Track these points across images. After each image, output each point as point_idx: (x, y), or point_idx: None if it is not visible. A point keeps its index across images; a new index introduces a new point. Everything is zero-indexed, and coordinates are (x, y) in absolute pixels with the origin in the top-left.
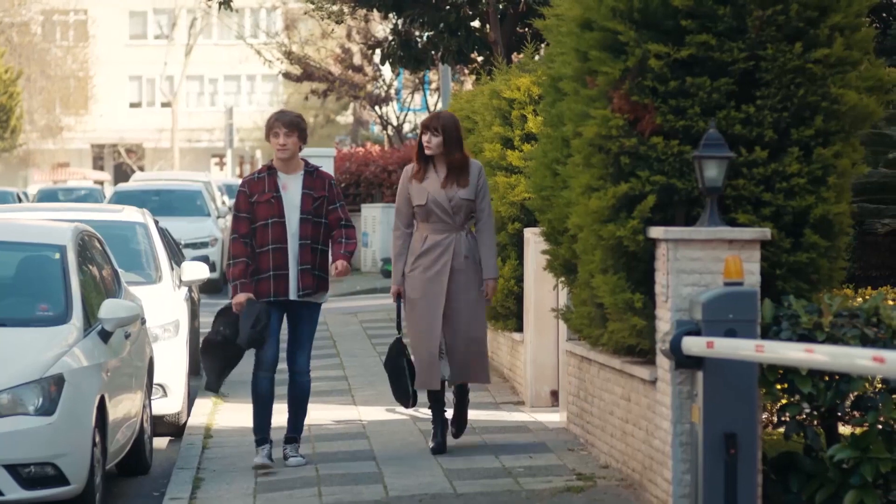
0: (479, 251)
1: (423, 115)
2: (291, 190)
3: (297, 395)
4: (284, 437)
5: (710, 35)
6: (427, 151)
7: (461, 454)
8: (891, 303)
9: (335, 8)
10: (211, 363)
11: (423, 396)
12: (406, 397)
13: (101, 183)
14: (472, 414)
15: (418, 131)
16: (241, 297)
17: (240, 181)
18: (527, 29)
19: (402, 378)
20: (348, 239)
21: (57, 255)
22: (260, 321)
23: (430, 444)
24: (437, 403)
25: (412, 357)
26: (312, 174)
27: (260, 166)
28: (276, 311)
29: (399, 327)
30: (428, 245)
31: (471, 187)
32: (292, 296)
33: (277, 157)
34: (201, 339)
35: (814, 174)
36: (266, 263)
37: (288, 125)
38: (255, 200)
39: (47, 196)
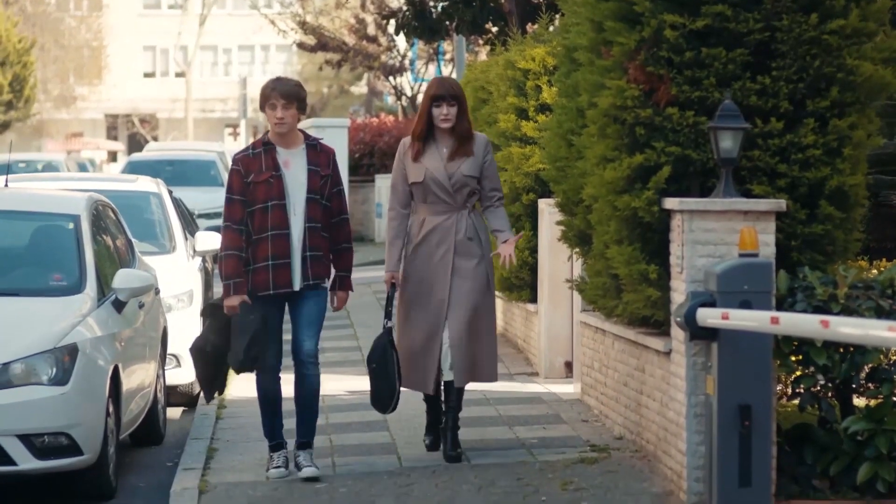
0: (484, 231)
1: None
2: (295, 167)
3: (305, 394)
4: (296, 442)
5: (725, 5)
6: (444, 125)
7: (475, 425)
8: None
9: None
10: (202, 373)
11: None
12: (388, 400)
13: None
14: (486, 385)
15: (428, 103)
16: (235, 301)
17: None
18: None
19: (388, 378)
20: (347, 243)
21: (71, 225)
22: (256, 342)
23: (425, 441)
24: (432, 400)
25: (401, 353)
26: (315, 148)
27: (253, 140)
28: (276, 306)
29: (388, 315)
30: (427, 229)
31: (474, 162)
32: (297, 286)
33: (274, 132)
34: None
35: (829, 145)
36: (264, 251)
37: (286, 96)
38: (251, 181)
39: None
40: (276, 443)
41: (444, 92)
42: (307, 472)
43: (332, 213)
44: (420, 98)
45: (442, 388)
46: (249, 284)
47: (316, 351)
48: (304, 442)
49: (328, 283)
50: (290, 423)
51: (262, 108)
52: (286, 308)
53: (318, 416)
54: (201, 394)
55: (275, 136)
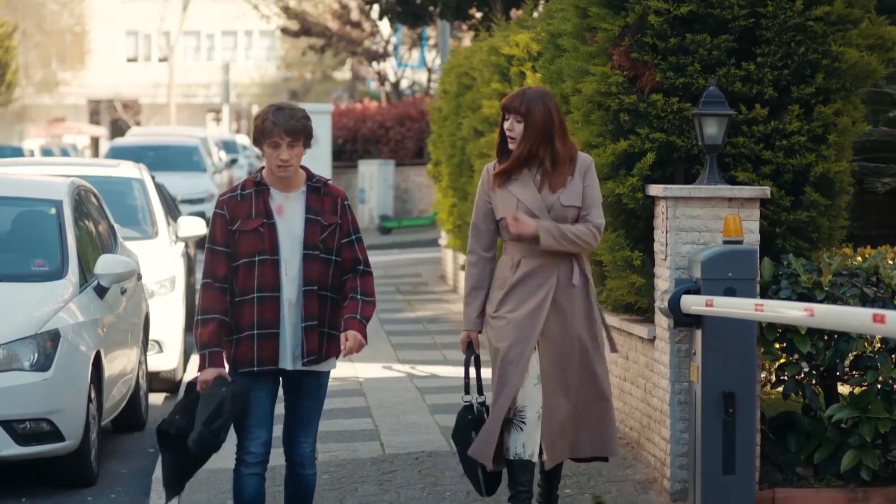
0: (590, 275)
1: (421, 72)
2: (290, 214)
3: (299, 493)
4: None
5: None
6: (510, 143)
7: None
8: (890, 262)
9: None
10: (169, 460)
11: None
12: (476, 483)
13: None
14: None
15: (501, 115)
16: (209, 375)
17: (236, 136)
18: None
19: (471, 462)
20: (366, 296)
21: (53, 210)
22: (219, 414)
23: None
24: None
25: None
26: (319, 191)
27: (244, 178)
28: (266, 384)
29: (468, 389)
30: (521, 274)
31: (575, 188)
32: (288, 364)
33: (275, 175)
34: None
35: (814, 132)
36: (249, 317)
37: (293, 132)
38: (237, 228)
39: None
40: None
41: (507, 102)
42: None
43: (346, 267)
44: (403, 84)
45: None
46: (231, 357)
47: (314, 452)
48: None
49: (333, 365)
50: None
51: (258, 143)
52: (280, 390)
53: None
54: (183, 379)
55: (271, 177)
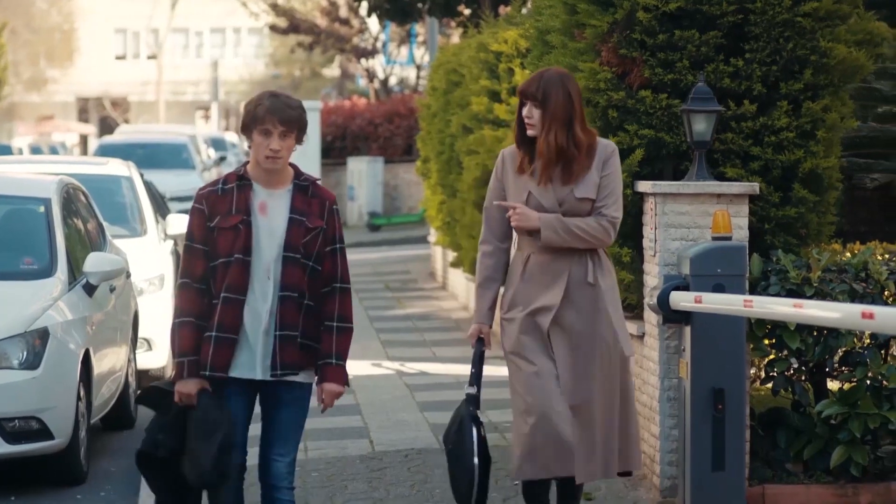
0: (611, 275)
1: (410, 69)
2: (273, 212)
3: None
4: None
5: None
6: (529, 131)
7: (447, 409)
8: (879, 258)
9: None
10: (156, 487)
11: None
12: (467, 490)
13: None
14: (458, 368)
15: (518, 101)
16: (191, 387)
17: (225, 133)
18: None
19: (464, 461)
20: (343, 322)
21: (41, 209)
22: (227, 448)
23: None
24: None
25: (516, 433)
26: (306, 190)
27: (227, 172)
28: (242, 394)
29: (473, 380)
30: (530, 271)
31: (591, 179)
32: (258, 373)
33: (262, 167)
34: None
35: (803, 128)
36: (211, 319)
37: (287, 122)
38: (215, 225)
39: None
40: None
41: (525, 87)
42: None
43: (324, 280)
44: (392, 81)
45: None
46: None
47: (292, 471)
48: None
49: (313, 378)
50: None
51: (247, 131)
52: (257, 399)
53: None
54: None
55: (256, 171)
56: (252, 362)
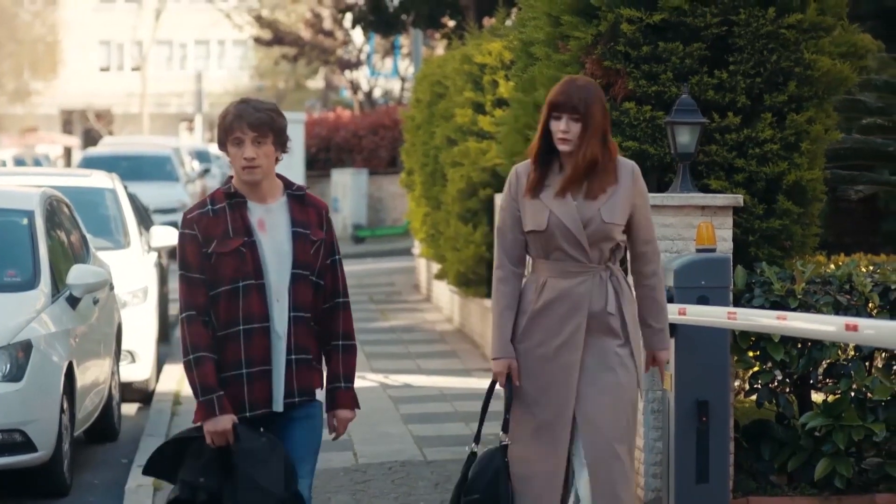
0: (633, 304)
1: (394, 81)
2: (273, 228)
3: None
4: None
5: (682, 0)
6: (563, 147)
7: (431, 421)
8: (864, 270)
9: None
10: None
11: None
12: None
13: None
14: (443, 381)
15: (547, 112)
16: (226, 424)
17: (209, 145)
18: None
19: None
20: (347, 340)
21: (25, 221)
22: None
23: None
24: None
25: (514, 475)
26: (301, 200)
27: (211, 184)
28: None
29: (506, 426)
30: (546, 299)
31: (619, 200)
32: (279, 406)
33: (241, 180)
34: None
35: (787, 140)
36: (234, 354)
37: (257, 126)
38: (213, 251)
39: None
40: None
41: (563, 99)
42: None
43: (325, 296)
44: (376, 93)
45: None
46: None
47: (309, 494)
48: None
49: (322, 397)
50: None
51: (222, 146)
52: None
53: None
54: (156, 390)
55: (242, 186)
56: (276, 393)
